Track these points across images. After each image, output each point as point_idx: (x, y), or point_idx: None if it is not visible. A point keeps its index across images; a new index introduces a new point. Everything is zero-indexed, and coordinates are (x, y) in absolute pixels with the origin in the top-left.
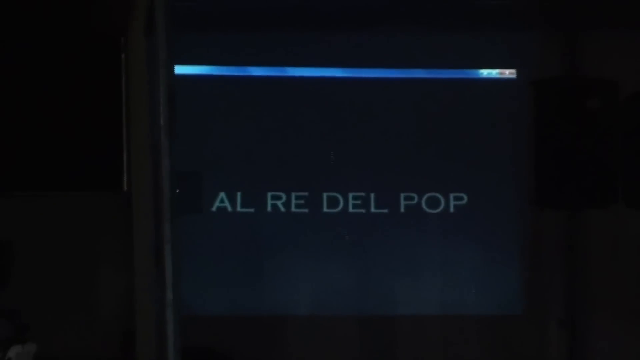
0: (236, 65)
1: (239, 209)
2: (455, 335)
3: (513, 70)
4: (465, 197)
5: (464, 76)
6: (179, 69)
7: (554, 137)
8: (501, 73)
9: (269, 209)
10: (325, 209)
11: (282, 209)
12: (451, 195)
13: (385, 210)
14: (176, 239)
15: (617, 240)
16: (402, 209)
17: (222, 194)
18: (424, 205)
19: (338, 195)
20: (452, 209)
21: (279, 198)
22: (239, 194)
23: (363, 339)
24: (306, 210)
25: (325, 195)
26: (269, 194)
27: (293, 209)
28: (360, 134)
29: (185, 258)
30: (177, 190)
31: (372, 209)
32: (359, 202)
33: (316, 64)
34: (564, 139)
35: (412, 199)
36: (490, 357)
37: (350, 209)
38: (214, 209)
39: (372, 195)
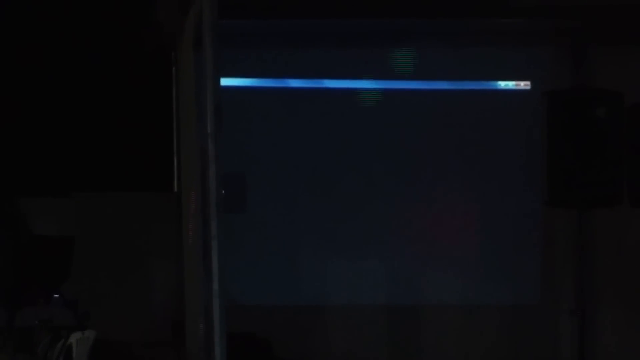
0: (276, 77)
1: (276, 208)
2: (477, 321)
3: (528, 82)
4: (483, 197)
5: (483, 87)
6: (225, 81)
7: (564, 143)
8: (517, 84)
9: (301, 208)
10: (353, 208)
11: (313, 207)
12: (470, 196)
13: (413, 208)
14: (222, 235)
15: (622, 236)
16: (428, 208)
17: (261, 194)
18: (447, 204)
19: (365, 195)
20: (472, 209)
21: (310, 197)
22: (275, 195)
23: (390, 327)
24: (335, 209)
25: (353, 194)
26: (302, 194)
27: (323, 208)
28: (389, 139)
29: (230, 253)
30: (223, 191)
31: (399, 208)
32: (386, 201)
33: (349, 77)
34: (573, 144)
35: (437, 198)
36: (508, 343)
37: (378, 209)
38: (254, 207)
39: (399, 195)
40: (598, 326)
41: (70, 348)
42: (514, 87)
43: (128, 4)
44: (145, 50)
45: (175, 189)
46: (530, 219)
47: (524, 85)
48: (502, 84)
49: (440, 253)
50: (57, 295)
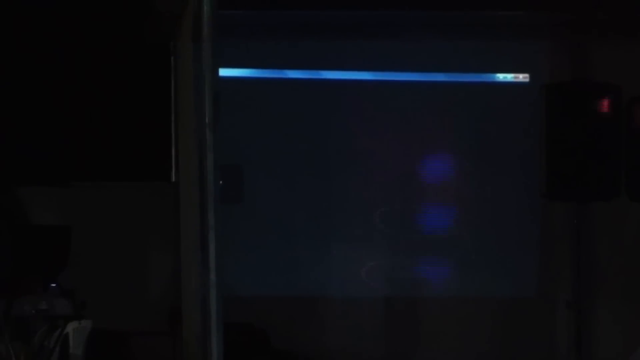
0: (274, 68)
1: (274, 199)
2: (474, 314)
3: (526, 75)
4: (481, 190)
5: (481, 80)
6: (223, 72)
7: (563, 136)
8: (515, 77)
9: (299, 199)
10: (351, 200)
11: (311, 199)
12: (468, 188)
13: (411, 200)
14: (219, 226)
15: (619, 230)
16: (426, 200)
17: (258, 185)
18: (445, 196)
19: (363, 187)
20: (470, 201)
21: (308, 188)
22: (273, 185)
23: (388, 318)
24: (333, 200)
25: (351, 187)
26: (299, 185)
27: (321, 199)
28: (387, 131)
29: (228, 244)
30: (220, 182)
31: (397, 200)
32: (384, 193)
33: (347, 68)
34: (572, 137)
35: (435, 190)
36: (505, 335)
37: (376, 200)
38: (251, 198)
39: (397, 187)
40: (595, 319)
41: (67, 337)
42: (512, 80)
43: None
44: (144, 40)
45: (173, 179)
46: (528, 212)
47: (522, 77)
48: (501, 77)
49: (438, 245)
50: (54, 285)
